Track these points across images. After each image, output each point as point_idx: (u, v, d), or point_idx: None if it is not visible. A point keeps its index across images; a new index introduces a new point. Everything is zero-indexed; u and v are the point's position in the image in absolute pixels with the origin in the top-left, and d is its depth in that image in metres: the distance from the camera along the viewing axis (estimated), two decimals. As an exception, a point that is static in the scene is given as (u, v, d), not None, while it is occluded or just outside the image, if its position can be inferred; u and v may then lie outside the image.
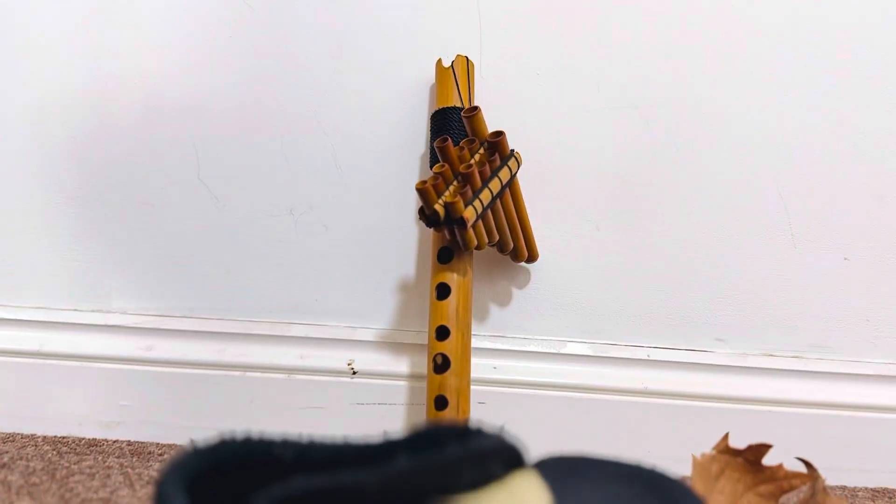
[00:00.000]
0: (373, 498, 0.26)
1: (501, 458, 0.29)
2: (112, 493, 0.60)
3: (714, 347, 0.75)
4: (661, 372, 0.75)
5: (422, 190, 0.64)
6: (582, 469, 0.43)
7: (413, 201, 0.74)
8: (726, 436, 0.60)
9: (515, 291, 0.76)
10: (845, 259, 0.74)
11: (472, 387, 0.71)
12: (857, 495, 0.71)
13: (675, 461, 0.64)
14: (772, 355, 0.75)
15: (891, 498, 0.72)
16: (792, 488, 0.56)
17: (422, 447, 0.34)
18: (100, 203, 0.76)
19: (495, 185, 0.67)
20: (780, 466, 0.56)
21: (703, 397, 0.74)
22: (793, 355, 0.75)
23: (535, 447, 0.67)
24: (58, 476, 0.63)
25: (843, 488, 0.71)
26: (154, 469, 0.65)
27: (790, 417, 0.74)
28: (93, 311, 0.76)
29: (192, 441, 0.41)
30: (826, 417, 0.74)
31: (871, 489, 0.73)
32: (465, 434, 0.34)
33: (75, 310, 0.76)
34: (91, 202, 0.76)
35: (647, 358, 0.75)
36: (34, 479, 0.62)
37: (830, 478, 0.70)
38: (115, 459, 0.67)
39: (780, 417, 0.73)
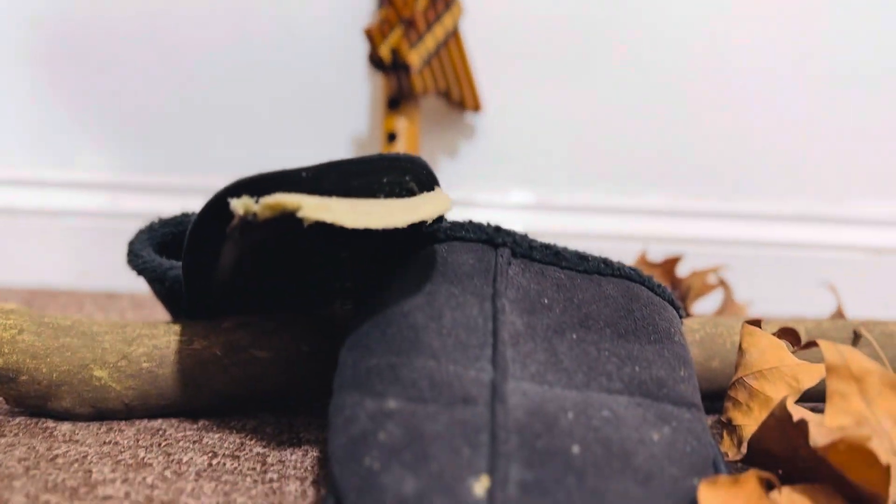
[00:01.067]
0: (307, 184, 0.31)
1: (416, 175, 0.34)
2: (87, 315, 0.65)
3: (650, 194, 0.81)
4: (601, 217, 0.81)
5: (368, 33, 0.67)
6: None
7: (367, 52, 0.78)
8: (643, 251, 0.66)
9: (462, 143, 0.80)
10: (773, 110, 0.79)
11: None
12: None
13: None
14: (700, 198, 0.81)
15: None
16: (702, 293, 0.62)
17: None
18: (59, 63, 0.78)
19: (439, 32, 0.71)
20: (693, 274, 0.62)
21: (640, 238, 0.80)
22: (718, 199, 0.81)
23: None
24: (34, 308, 0.67)
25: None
26: (126, 308, 0.70)
27: (716, 256, 0.80)
28: (57, 168, 0.79)
29: (159, 217, 0.45)
30: (738, 254, 0.80)
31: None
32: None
33: (40, 168, 0.79)
34: (51, 62, 0.78)
35: (588, 205, 0.81)
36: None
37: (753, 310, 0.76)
38: (89, 299, 0.72)
39: (706, 256, 0.80)
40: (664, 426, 0.29)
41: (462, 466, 0.25)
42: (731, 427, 0.34)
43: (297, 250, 0.36)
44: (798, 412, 0.29)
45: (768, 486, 0.28)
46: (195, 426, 0.39)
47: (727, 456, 0.33)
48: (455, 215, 0.80)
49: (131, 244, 0.42)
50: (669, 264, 0.64)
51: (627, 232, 0.81)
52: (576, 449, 0.26)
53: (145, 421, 0.39)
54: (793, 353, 0.39)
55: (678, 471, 0.27)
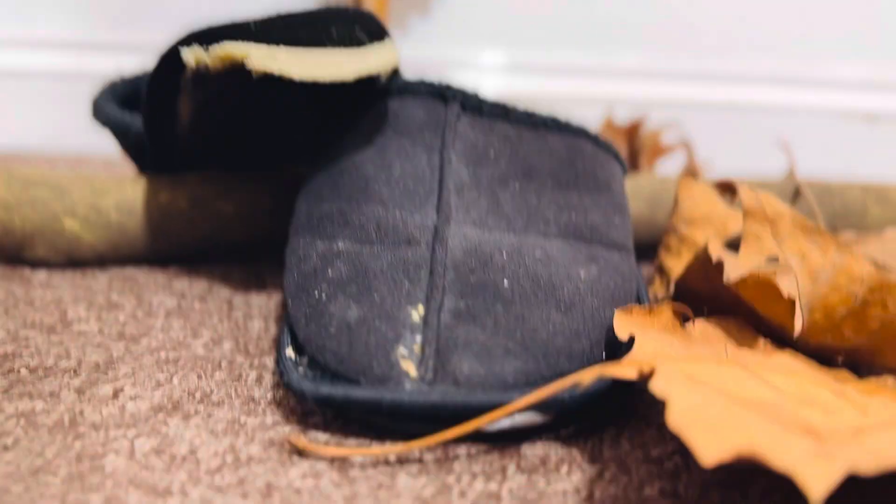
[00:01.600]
0: (256, 35, 0.32)
1: (365, 25, 0.35)
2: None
3: (625, 55, 0.81)
4: (574, 79, 0.81)
5: None
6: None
7: None
8: (609, 116, 0.67)
9: (434, 2, 0.79)
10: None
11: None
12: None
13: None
14: (672, 59, 0.81)
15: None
16: (660, 153, 0.64)
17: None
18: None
19: None
20: (656, 133, 0.64)
21: (612, 101, 0.81)
22: (693, 56, 0.81)
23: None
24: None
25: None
26: (98, 169, 0.71)
27: (689, 119, 0.81)
28: (20, 28, 0.78)
29: (120, 74, 0.46)
30: (707, 115, 0.82)
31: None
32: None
33: (3, 29, 0.78)
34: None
35: (561, 65, 0.81)
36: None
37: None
38: (61, 162, 0.73)
39: (678, 120, 0.81)
40: (592, 265, 0.31)
41: (401, 297, 0.27)
42: (661, 270, 0.37)
43: (251, 103, 0.37)
44: (717, 253, 0.31)
45: (684, 319, 0.31)
46: (165, 273, 0.41)
47: (657, 296, 0.36)
48: (425, 77, 0.80)
49: (95, 99, 0.43)
50: (634, 128, 0.65)
51: (601, 94, 0.81)
52: (506, 283, 0.28)
53: (117, 268, 0.41)
54: (731, 201, 0.42)
55: (599, 302, 0.30)
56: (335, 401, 0.25)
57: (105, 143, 0.79)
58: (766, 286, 0.29)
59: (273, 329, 0.34)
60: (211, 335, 0.33)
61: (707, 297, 0.34)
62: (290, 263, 0.31)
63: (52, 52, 0.79)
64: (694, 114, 0.82)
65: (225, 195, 0.42)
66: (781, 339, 0.31)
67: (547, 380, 0.26)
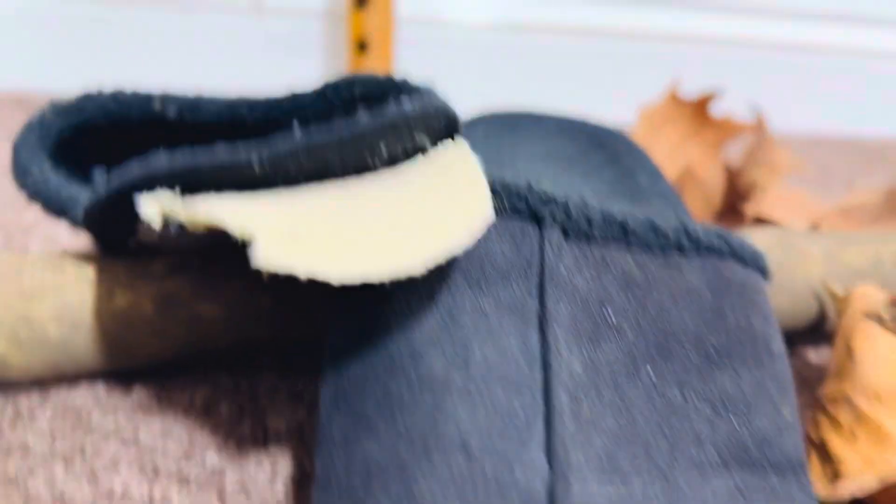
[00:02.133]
0: (264, 179, 0.20)
1: (429, 125, 0.22)
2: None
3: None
4: (611, 7, 0.67)
5: None
6: (522, 125, 0.37)
7: None
8: (673, 85, 0.55)
9: None
10: None
11: (396, 28, 0.63)
12: (790, 144, 0.68)
13: (621, 108, 0.59)
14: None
15: (826, 147, 0.70)
16: (735, 136, 0.52)
17: (335, 107, 0.27)
18: None
19: None
20: (727, 118, 0.52)
21: (653, 37, 0.67)
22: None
23: (470, 98, 0.62)
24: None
25: (782, 134, 0.69)
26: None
27: (744, 61, 0.68)
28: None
29: (51, 101, 0.33)
30: (778, 59, 0.69)
31: (806, 137, 0.71)
32: (386, 88, 0.27)
33: None
34: None
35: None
36: None
37: (775, 123, 0.67)
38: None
39: (733, 61, 0.68)
40: None
41: None
42: (824, 452, 0.27)
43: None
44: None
45: None
46: (128, 402, 0.30)
47: (817, 489, 0.26)
48: (435, 6, 0.65)
49: (16, 150, 0.30)
50: (702, 103, 0.53)
51: (628, 27, 0.67)
52: None
53: (62, 392, 0.30)
54: None
55: None
56: None
57: (51, 83, 0.65)
58: None
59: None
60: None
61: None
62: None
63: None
64: (745, 55, 0.69)
65: (205, 292, 0.30)
66: None
67: None
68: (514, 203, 0.24)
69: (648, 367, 0.23)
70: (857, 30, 0.69)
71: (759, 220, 0.41)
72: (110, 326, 0.29)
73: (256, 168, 0.20)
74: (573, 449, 0.20)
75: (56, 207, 0.29)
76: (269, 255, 0.17)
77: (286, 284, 0.31)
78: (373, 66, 0.61)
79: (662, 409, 0.22)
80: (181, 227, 0.19)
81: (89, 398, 0.30)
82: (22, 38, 0.63)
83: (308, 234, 0.18)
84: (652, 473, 0.21)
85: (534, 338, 0.22)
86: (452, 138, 0.24)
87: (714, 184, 0.44)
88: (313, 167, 0.20)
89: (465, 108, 0.56)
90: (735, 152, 0.59)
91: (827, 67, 0.70)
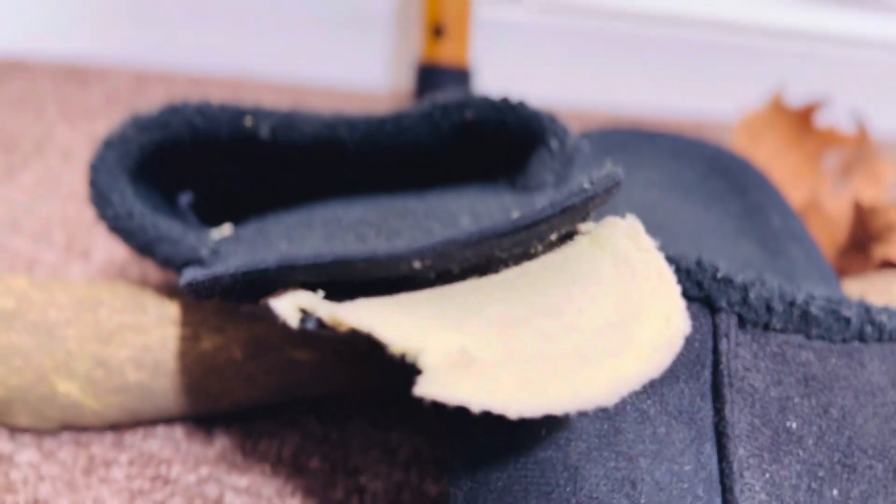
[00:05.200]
0: (423, 277, 0.17)
1: (593, 208, 0.19)
2: (48, 128, 0.50)
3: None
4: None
5: None
6: (632, 145, 0.34)
7: None
8: (778, 92, 0.51)
9: None
10: None
11: (473, 10, 0.59)
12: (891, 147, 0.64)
13: (720, 113, 0.56)
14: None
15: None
16: (838, 146, 0.48)
17: (443, 132, 0.24)
18: None
19: None
20: (832, 128, 0.48)
21: (760, 30, 0.63)
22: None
23: (550, 87, 0.58)
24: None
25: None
26: (96, 101, 0.54)
27: (859, 64, 0.63)
28: None
29: (133, 113, 0.29)
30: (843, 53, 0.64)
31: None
32: (503, 113, 0.24)
33: None
34: None
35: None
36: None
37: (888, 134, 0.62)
38: (48, 85, 0.56)
39: (843, 63, 0.63)
40: None
41: None
42: None
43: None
44: None
45: None
46: (210, 453, 0.27)
47: None
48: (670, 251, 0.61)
49: (94, 171, 0.27)
50: (808, 112, 0.49)
51: (743, 21, 0.63)
52: None
53: (138, 437, 0.28)
54: None
55: None
56: None
57: (108, 52, 0.62)
58: None
59: None
60: None
61: None
62: None
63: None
64: (821, 49, 0.65)
65: (299, 337, 0.27)
66: None
67: None
68: (684, 283, 0.21)
69: (833, 490, 0.20)
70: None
71: (887, 264, 0.38)
72: (195, 372, 0.27)
73: (418, 266, 0.16)
74: None
75: (141, 245, 0.26)
76: (439, 384, 0.14)
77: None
78: (448, 52, 0.57)
79: None
80: (320, 323, 0.16)
81: (168, 447, 0.28)
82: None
83: (479, 357, 0.15)
84: None
85: (710, 454, 0.19)
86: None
87: (840, 217, 0.40)
88: (476, 263, 0.17)
89: (548, 98, 0.52)
90: (832, 161, 0.55)
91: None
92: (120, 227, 0.26)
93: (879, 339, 0.22)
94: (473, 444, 0.20)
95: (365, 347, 0.23)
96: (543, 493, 0.19)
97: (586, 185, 0.18)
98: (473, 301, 0.17)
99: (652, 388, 0.20)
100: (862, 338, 0.22)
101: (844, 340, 0.22)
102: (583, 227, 0.19)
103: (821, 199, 0.40)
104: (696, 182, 0.33)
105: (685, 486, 0.18)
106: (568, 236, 0.19)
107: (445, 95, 0.27)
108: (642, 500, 0.18)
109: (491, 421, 0.21)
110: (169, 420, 0.28)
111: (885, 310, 0.22)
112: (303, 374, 0.28)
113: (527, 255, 0.19)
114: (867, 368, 0.21)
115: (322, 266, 0.17)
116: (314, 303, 0.16)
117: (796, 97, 0.49)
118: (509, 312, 0.17)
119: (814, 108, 0.50)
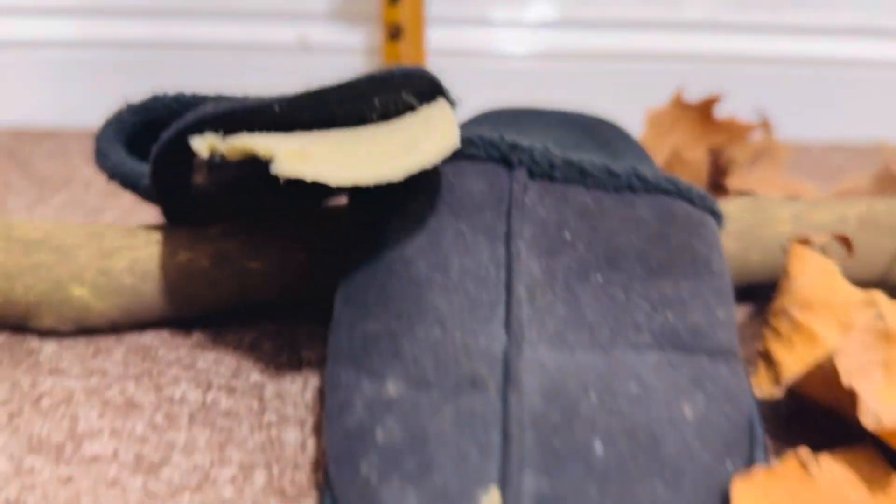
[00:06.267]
0: (282, 118, 0.26)
1: (415, 86, 0.28)
2: (73, 170, 0.61)
3: (689, 4, 0.72)
4: (632, 33, 0.73)
5: None
6: (524, 119, 0.43)
7: None
8: (679, 89, 0.60)
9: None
10: None
11: (429, 58, 0.70)
12: (810, 150, 0.72)
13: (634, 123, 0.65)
14: (745, 10, 0.72)
15: (845, 152, 0.73)
16: (742, 136, 0.56)
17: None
18: None
19: None
20: (732, 119, 0.57)
21: (676, 57, 0.73)
22: (764, 10, 0.72)
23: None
24: (17, 158, 0.63)
25: (798, 141, 0.72)
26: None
27: (748, 74, 0.73)
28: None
29: (125, 101, 0.40)
30: (782, 72, 0.73)
31: (826, 143, 0.74)
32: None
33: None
34: None
35: (618, 18, 0.72)
36: (-6, 162, 0.62)
37: (786, 132, 0.71)
38: (74, 141, 0.67)
39: (736, 74, 0.73)
40: (697, 393, 0.26)
41: (469, 476, 0.22)
42: (769, 360, 0.31)
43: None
44: (848, 377, 0.26)
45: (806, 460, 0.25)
46: (188, 342, 0.36)
47: (762, 390, 0.30)
48: (468, 36, 0.72)
49: (98, 140, 0.37)
50: (706, 106, 0.58)
51: (663, 49, 0.73)
52: (598, 446, 0.23)
53: (134, 335, 0.37)
54: (847, 256, 0.35)
55: (711, 456, 0.24)
56: None
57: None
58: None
59: (311, 446, 0.30)
60: (240, 459, 0.29)
61: (828, 405, 0.29)
62: (331, 408, 0.26)
63: (60, 19, 0.73)
64: (767, 70, 0.74)
65: (252, 250, 0.36)
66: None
67: None
68: (489, 151, 0.30)
69: (597, 274, 0.28)
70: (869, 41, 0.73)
71: (742, 195, 0.46)
72: (173, 278, 0.36)
73: (277, 109, 0.26)
74: (527, 326, 0.26)
75: (131, 182, 0.36)
76: (285, 166, 0.23)
77: (318, 242, 0.37)
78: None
79: (607, 304, 0.27)
80: (223, 159, 0.25)
81: (156, 339, 0.36)
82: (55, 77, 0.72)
83: (315, 152, 0.24)
84: (594, 348, 0.26)
85: (501, 250, 0.27)
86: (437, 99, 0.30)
87: (699, 164, 0.48)
88: (321, 114, 0.26)
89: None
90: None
91: (830, 78, 0.74)
92: (116, 173, 0.36)
93: (647, 191, 0.30)
94: (348, 266, 0.29)
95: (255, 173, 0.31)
96: (387, 275, 0.27)
97: (395, 70, 0.27)
98: (320, 134, 0.26)
99: (467, 216, 0.28)
100: (632, 189, 0.30)
101: (617, 190, 0.30)
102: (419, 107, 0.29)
103: (681, 150, 0.48)
104: (573, 144, 0.42)
105: (482, 266, 0.27)
106: (400, 109, 0.28)
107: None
108: (450, 274, 0.27)
109: (359, 248, 0.30)
110: (158, 324, 0.37)
111: (651, 169, 0.31)
112: (256, 279, 0.36)
113: (364, 119, 0.28)
114: (636, 209, 0.30)
115: (218, 115, 0.26)
116: (217, 140, 0.26)
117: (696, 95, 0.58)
118: (341, 135, 0.26)
119: (712, 101, 0.58)
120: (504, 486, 0.22)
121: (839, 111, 0.75)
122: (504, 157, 0.30)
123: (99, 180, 0.58)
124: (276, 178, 0.29)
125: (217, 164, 0.26)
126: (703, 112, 0.58)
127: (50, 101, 0.74)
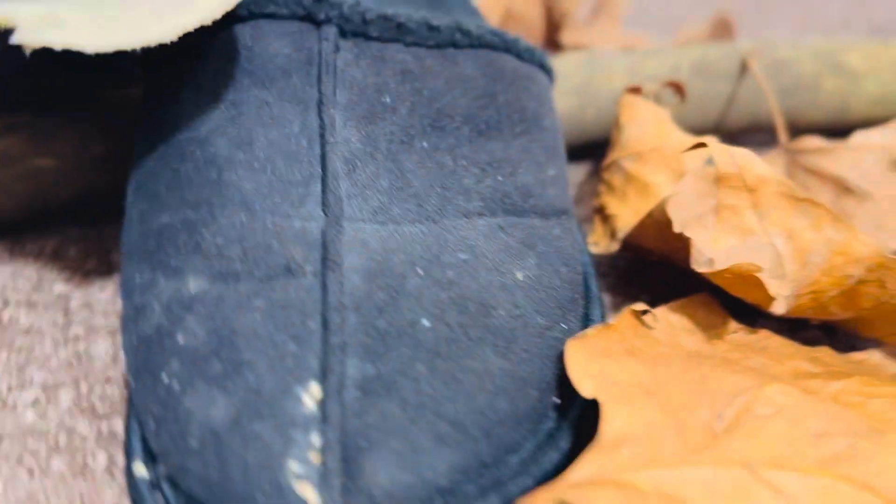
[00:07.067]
0: None
1: None
2: None
3: None
4: None
5: None
6: None
7: None
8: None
9: None
10: None
11: None
12: (649, 0, 0.71)
13: None
14: None
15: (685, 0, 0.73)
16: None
17: None
18: None
19: None
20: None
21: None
22: None
23: None
24: None
25: None
26: None
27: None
28: None
29: None
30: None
31: None
32: None
33: None
34: None
35: None
36: None
37: None
38: None
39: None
40: (529, 255, 0.25)
41: (286, 372, 0.20)
42: (603, 215, 0.30)
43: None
44: (681, 224, 0.25)
45: (642, 312, 0.25)
46: (-19, 257, 0.32)
47: (598, 246, 0.30)
48: None
49: None
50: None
51: None
52: (426, 322, 0.21)
53: (-84, 255, 0.32)
54: (680, 103, 0.35)
55: (544, 319, 0.23)
56: None
57: None
58: (745, 278, 0.24)
59: (123, 357, 0.27)
60: (43, 379, 0.26)
61: (663, 255, 0.29)
62: (126, 314, 0.23)
63: None
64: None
65: (40, 147, 0.32)
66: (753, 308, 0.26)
67: (490, 469, 0.20)
68: (291, 7, 0.26)
69: (422, 140, 0.26)
70: None
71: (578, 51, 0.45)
72: (-51, 185, 0.31)
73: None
74: (347, 203, 0.23)
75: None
76: (30, 34, 0.19)
77: (119, 130, 0.33)
78: None
79: (434, 171, 0.25)
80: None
81: (-59, 257, 0.32)
82: None
83: (67, 17, 0.20)
84: (422, 220, 0.24)
85: (313, 120, 0.25)
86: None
87: (534, 21, 0.46)
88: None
89: None
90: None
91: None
92: None
93: (471, 46, 0.28)
94: (137, 150, 0.26)
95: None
96: (180, 158, 0.24)
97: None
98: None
99: (271, 83, 0.25)
100: (455, 44, 0.28)
101: (439, 46, 0.28)
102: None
103: (514, 8, 0.46)
104: (405, 3, 0.38)
105: (291, 140, 0.24)
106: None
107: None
108: (255, 151, 0.24)
109: (148, 129, 0.26)
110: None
111: (475, 22, 0.28)
112: (49, 178, 0.32)
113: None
114: (460, 66, 0.28)
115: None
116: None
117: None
118: (97, 3, 0.22)
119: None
120: (325, 376, 0.20)
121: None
122: (309, 14, 0.26)
123: None
124: (56, 58, 0.24)
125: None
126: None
127: None
